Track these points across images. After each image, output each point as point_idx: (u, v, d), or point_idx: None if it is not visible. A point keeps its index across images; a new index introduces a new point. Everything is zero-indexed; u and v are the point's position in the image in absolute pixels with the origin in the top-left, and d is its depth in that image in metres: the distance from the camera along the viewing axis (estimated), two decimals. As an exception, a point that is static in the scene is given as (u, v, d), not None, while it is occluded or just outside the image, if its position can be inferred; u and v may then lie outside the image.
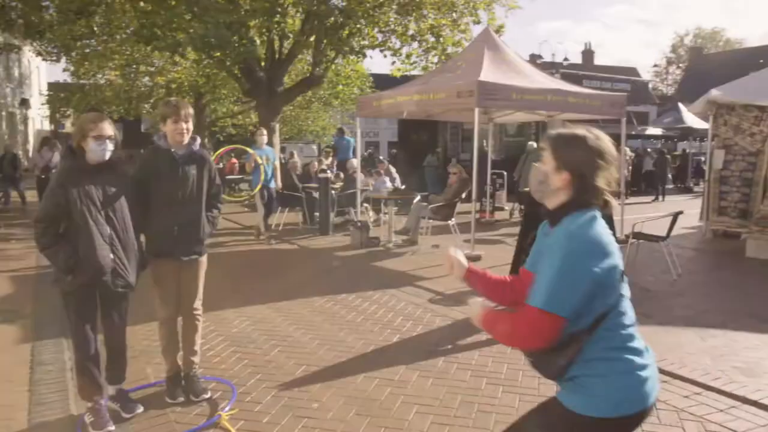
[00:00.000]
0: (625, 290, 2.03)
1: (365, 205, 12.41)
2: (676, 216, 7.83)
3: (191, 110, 3.92)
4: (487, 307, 2.13)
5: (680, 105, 23.76)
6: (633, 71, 43.25)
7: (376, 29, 16.69)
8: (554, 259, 1.94)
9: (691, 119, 22.08)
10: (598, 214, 2.03)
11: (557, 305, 1.89)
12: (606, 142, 2.06)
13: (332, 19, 15.06)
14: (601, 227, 1.99)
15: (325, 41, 16.01)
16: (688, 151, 24.57)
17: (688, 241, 10.52)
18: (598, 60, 46.60)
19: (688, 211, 9.51)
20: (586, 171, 2.01)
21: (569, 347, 1.96)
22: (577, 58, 45.07)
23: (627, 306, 2.03)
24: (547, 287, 1.92)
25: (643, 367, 1.99)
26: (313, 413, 3.81)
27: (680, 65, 60.90)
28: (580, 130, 2.08)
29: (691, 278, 7.59)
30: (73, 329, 3.63)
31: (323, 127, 33.09)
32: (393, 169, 14.20)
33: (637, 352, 2.00)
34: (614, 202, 2.07)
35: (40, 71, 34.88)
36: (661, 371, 4.45)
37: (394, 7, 15.77)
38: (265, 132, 10.86)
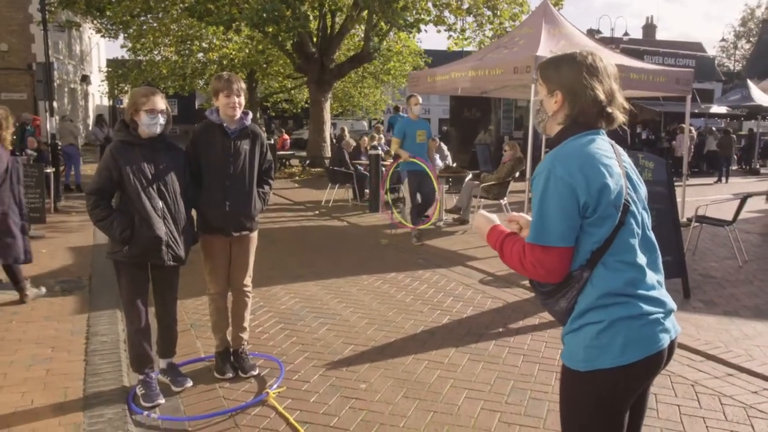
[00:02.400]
0: (633, 224, 1.86)
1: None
2: (744, 199, 7.41)
3: (243, 85, 3.86)
4: (495, 222, 2.06)
5: (749, 82, 22.57)
6: (698, 46, 41.28)
7: (429, 3, 16.40)
8: (538, 186, 1.85)
9: (761, 97, 20.96)
10: (598, 136, 1.91)
11: (545, 236, 1.82)
12: (599, 58, 1.94)
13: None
14: (594, 147, 1.85)
15: (377, 14, 15.82)
16: (756, 130, 23.38)
17: (753, 225, 10.00)
18: (657, 35, 44.67)
19: (754, 193, 9.01)
20: (577, 88, 1.90)
21: (569, 287, 1.87)
22: (636, 33, 43.35)
23: (632, 242, 1.85)
24: (534, 220, 1.86)
25: (648, 313, 1.83)
26: (360, 394, 3.76)
27: (750, 40, 57.83)
28: (570, 51, 1.99)
29: (758, 265, 7.19)
30: (125, 302, 3.67)
31: (375, 103, 32.96)
32: (444, 147, 13.97)
33: (641, 297, 1.83)
34: (620, 117, 1.94)
35: (100, 48, 35.82)
36: (727, 364, 4.23)
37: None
38: (420, 99, 8.49)
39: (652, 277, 1.89)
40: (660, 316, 1.86)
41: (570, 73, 1.91)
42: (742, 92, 22.24)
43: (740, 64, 54.36)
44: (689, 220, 8.19)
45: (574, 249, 1.83)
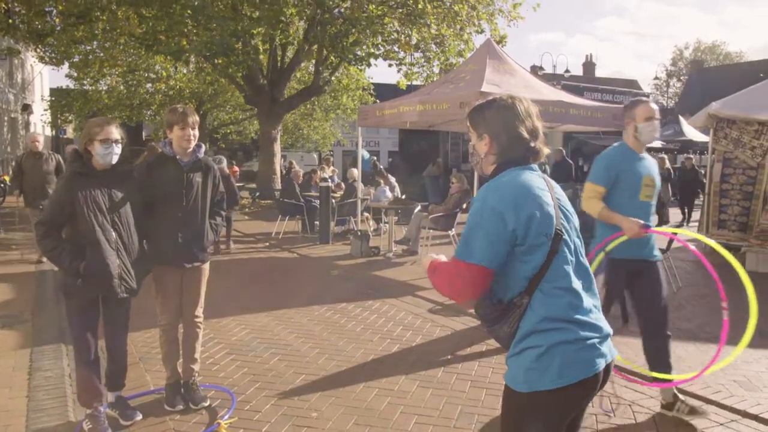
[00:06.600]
0: (567, 251, 2.01)
1: (365, 214, 12.42)
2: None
3: (197, 117, 3.94)
4: (435, 258, 2.20)
5: (680, 118, 23.82)
6: (634, 84, 43.36)
7: (379, 38, 16.79)
8: (472, 211, 2.02)
9: (691, 132, 22.14)
10: (529, 170, 2.08)
11: (467, 253, 1.96)
12: (518, 99, 2.13)
13: (335, 27, 15.15)
14: (526, 180, 2.02)
15: (327, 48, 16.12)
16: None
17: (687, 254, 10.49)
18: (596, 72, 46.71)
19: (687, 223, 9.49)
20: (502, 130, 2.09)
21: (511, 314, 2.00)
22: (577, 70, 45.24)
23: (567, 269, 2.00)
24: (462, 238, 2.02)
25: (585, 338, 1.96)
26: (312, 422, 3.80)
27: (681, 78, 61.06)
28: (492, 97, 2.19)
29: (691, 291, 7.58)
30: (75, 334, 3.62)
31: (324, 136, 33.16)
32: (392, 179, 14.23)
33: (578, 322, 1.97)
34: (545, 150, 2.13)
35: (43, 77, 34.94)
36: (661, 384, 4.45)
37: (397, 16, 15.89)
38: (657, 111, 3.97)
39: (589, 301, 2.03)
40: (596, 341, 1.99)
41: (494, 116, 2.11)
42: (675, 127, 23.44)
43: (673, 101, 57.18)
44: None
45: (492, 273, 1.97)
